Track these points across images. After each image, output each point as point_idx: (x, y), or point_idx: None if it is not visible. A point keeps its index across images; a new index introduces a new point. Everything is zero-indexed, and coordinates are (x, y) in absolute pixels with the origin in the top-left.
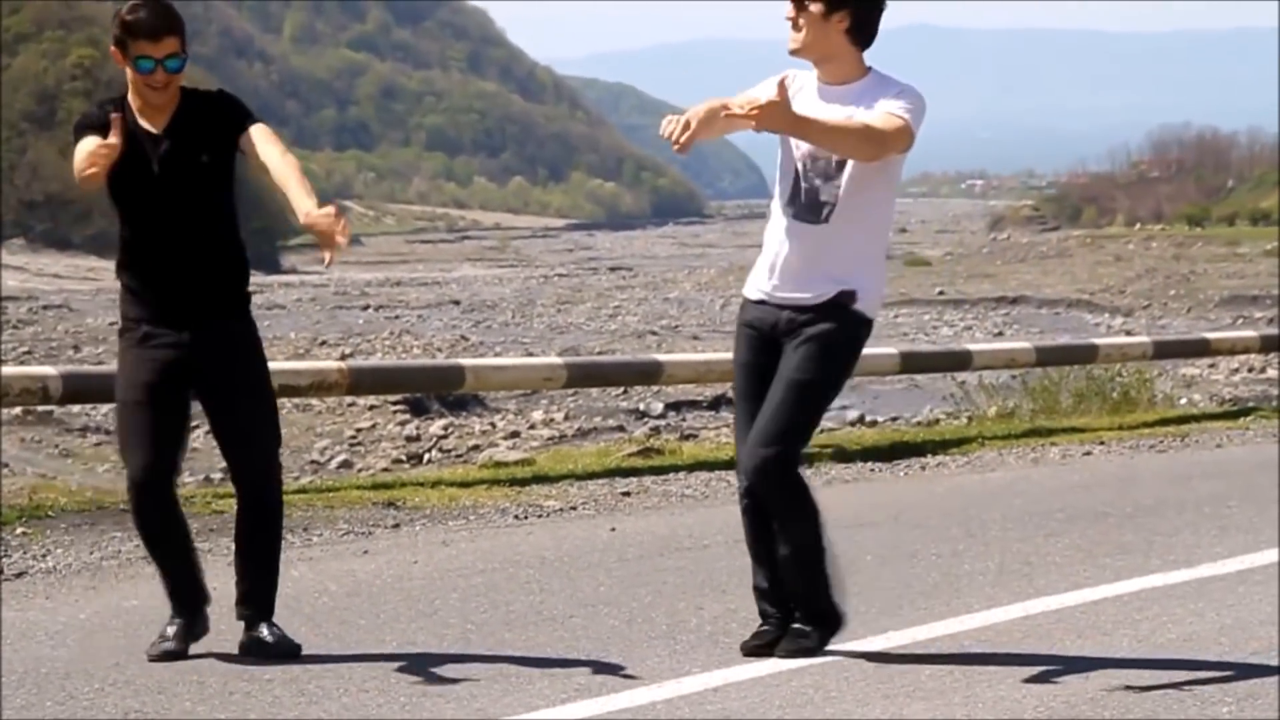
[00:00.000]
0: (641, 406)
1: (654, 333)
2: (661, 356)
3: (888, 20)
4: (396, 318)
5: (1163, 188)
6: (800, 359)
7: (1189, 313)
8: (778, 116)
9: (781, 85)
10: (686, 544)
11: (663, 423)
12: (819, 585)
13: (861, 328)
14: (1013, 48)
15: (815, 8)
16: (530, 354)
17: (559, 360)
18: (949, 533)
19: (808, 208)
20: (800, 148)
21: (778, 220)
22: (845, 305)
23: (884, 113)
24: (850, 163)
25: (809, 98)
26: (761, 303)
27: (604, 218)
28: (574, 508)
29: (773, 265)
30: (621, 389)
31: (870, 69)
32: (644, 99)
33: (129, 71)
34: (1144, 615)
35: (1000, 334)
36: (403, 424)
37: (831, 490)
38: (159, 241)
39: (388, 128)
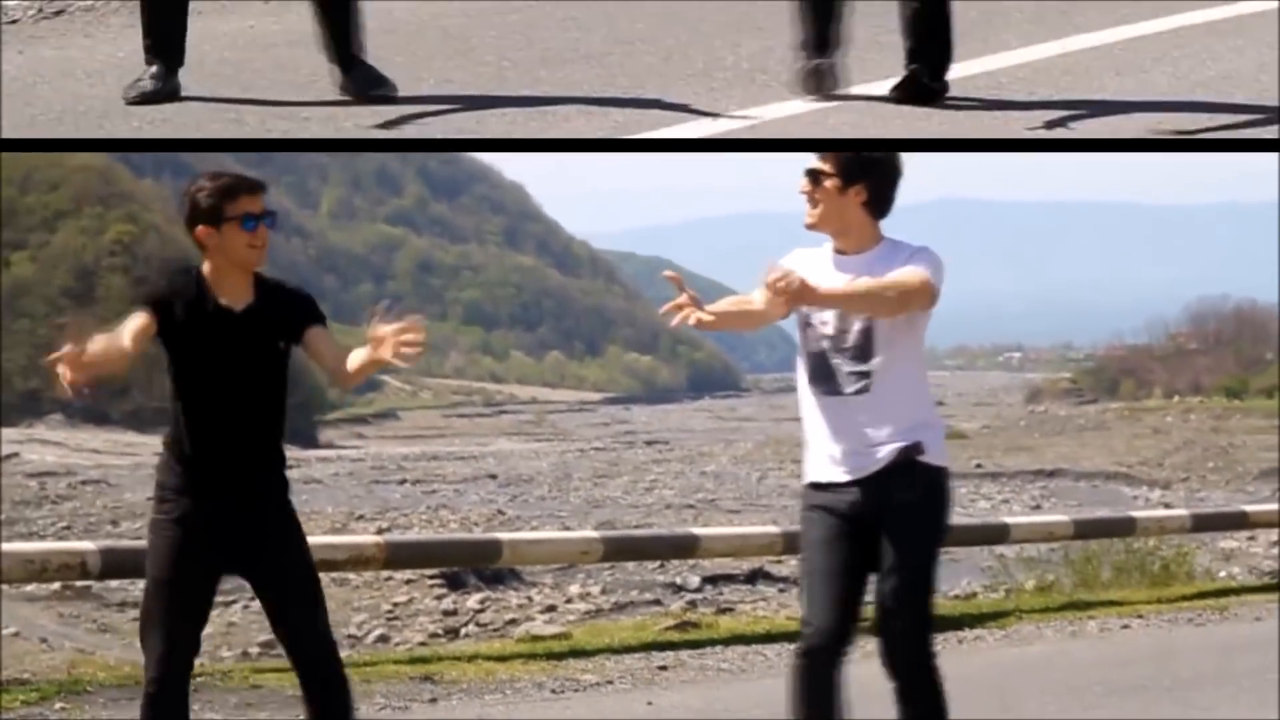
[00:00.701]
0: (678, 580)
1: (690, 506)
2: (698, 530)
3: (921, 194)
4: (433, 492)
5: (1201, 360)
6: (902, 532)
7: (1228, 485)
8: (805, 298)
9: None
10: (723, 715)
11: (699, 596)
12: None
13: (940, 477)
14: (1047, 220)
15: (831, 183)
16: (567, 528)
17: (595, 534)
18: (985, 708)
19: (841, 385)
20: (824, 326)
21: (814, 403)
22: (915, 461)
23: (904, 271)
24: (877, 335)
25: (824, 267)
26: (830, 486)
27: (640, 391)
28: (610, 682)
29: (823, 448)
30: (658, 562)
31: (884, 237)
32: (681, 271)
33: (213, 241)
34: None
35: (1038, 507)
36: (439, 598)
37: (869, 664)
38: (218, 418)
39: (425, 302)
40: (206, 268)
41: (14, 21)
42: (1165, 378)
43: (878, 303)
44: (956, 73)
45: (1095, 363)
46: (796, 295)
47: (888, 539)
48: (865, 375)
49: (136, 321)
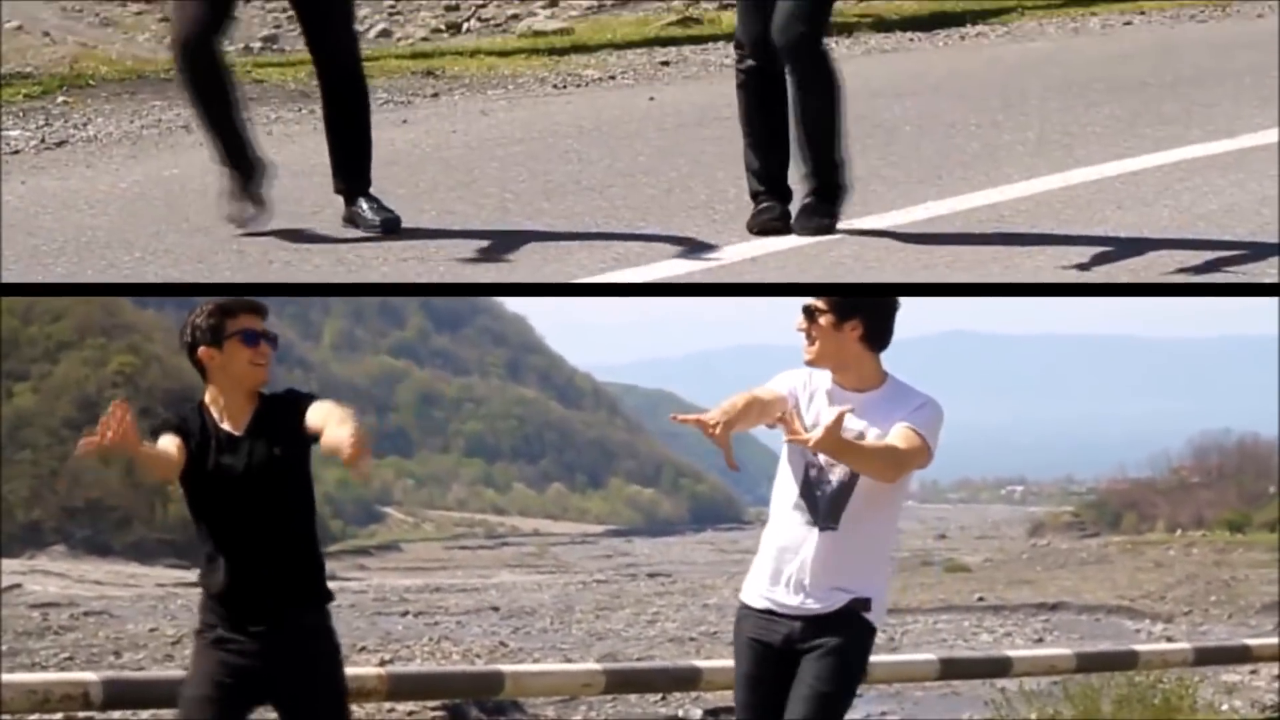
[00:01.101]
0: (680, 713)
1: (693, 638)
2: (700, 663)
3: (924, 327)
4: (436, 624)
5: (1203, 494)
6: (823, 671)
7: (1230, 619)
8: (829, 444)
9: (839, 418)
10: (726, 114)
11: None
12: (834, 156)
13: (871, 637)
14: (1050, 353)
15: (825, 320)
16: (569, 659)
17: (598, 666)
18: (988, 103)
19: (818, 513)
20: (815, 455)
21: (783, 524)
22: (859, 614)
23: (904, 432)
24: (863, 477)
25: (823, 400)
26: (769, 613)
27: (643, 524)
28: (613, 77)
29: (778, 571)
30: (660, 695)
31: (887, 375)
32: (683, 405)
33: (215, 362)
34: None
35: (1040, 640)
36: None
37: (870, 59)
38: (240, 543)
39: (427, 434)
40: (208, 396)
41: (16, 152)
42: (1168, 511)
43: (876, 466)
44: (960, 205)
45: (1097, 496)
46: (819, 444)
47: (808, 670)
48: (840, 514)
49: (168, 441)
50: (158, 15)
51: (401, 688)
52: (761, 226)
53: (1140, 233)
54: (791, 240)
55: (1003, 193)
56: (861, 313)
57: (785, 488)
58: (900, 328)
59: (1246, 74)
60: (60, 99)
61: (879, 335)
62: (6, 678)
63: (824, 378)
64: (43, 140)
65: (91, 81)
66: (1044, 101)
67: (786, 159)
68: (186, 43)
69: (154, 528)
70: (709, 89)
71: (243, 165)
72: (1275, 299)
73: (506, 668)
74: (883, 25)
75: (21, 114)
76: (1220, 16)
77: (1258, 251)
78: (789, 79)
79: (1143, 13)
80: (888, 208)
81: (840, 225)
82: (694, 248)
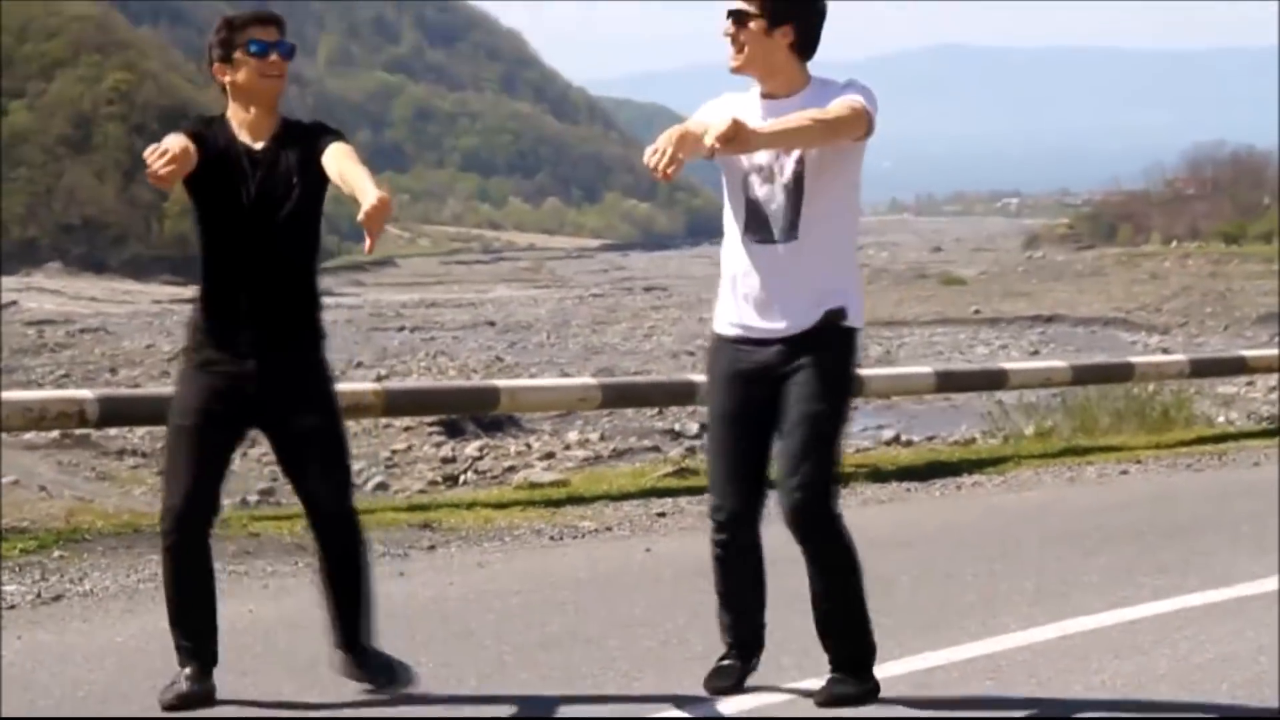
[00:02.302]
0: (677, 427)
1: (689, 353)
2: (696, 376)
3: (920, 39)
4: (432, 339)
5: (1198, 205)
6: (810, 393)
7: (1226, 330)
8: (741, 142)
9: (735, 122)
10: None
11: (698, 443)
12: (863, 633)
13: (855, 339)
14: (1045, 66)
15: (756, 25)
16: (565, 374)
17: (594, 381)
18: (986, 552)
19: (770, 228)
20: (750, 166)
21: (739, 249)
22: (837, 324)
23: (838, 102)
24: (807, 172)
25: (754, 111)
26: (742, 340)
27: (638, 238)
28: (609, 529)
29: (745, 296)
30: (657, 409)
31: (812, 77)
32: (677, 119)
33: (234, 81)
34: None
35: (1036, 352)
36: (438, 445)
37: (867, 510)
38: (242, 263)
39: (422, 149)
40: (229, 111)
41: (13, 607)
42: (1163, 223)
43: (813, 133)
44: (956, 656)
45: (1093, 208)
46: (737, 140)
47: (792, 396)
48: (795, 223)
49: (172, 143)
50: (154, 469)
51: (398, 403)
52: (714, 689)
53: (1138, 680)
54: (786, 695)
55: (1000, 642)
56: (793, 19)
57: (735, 210)
58: (892, 40)
59: (1244, 522)
60: (56, 553)
61: (809, 42)
62: (3, 395)
63: (749, 95)
64: (39, 595)
65: (88, 536)
66: (1041, 550)
67: (761, 623)
68: (180, 520)
69: (150, 245)
70: (706, 540)
71: (197, 650)
72: (1275, 3)
73: (503, 383)
74: (879, 475)
75: (18, 569)
76: (1217, 465)
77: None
78: (803, 553)
79: (1139, 461)
80: (884, 658)
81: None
82: (691, 701)
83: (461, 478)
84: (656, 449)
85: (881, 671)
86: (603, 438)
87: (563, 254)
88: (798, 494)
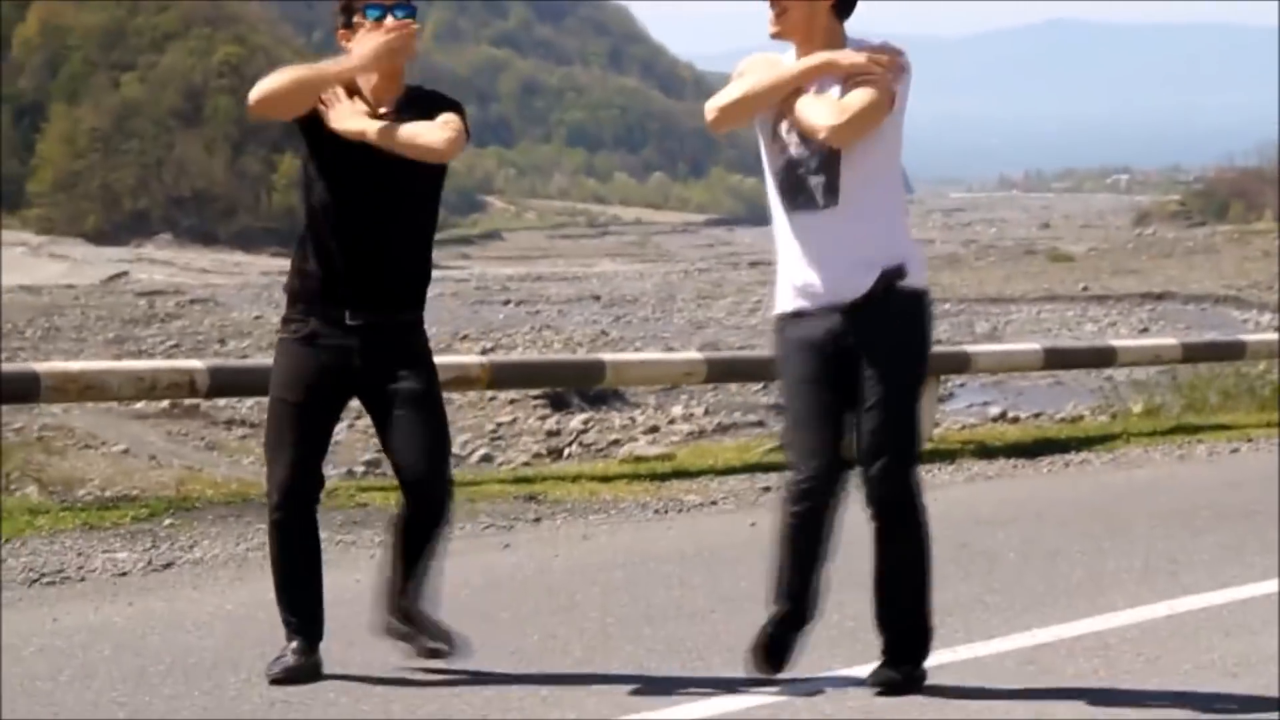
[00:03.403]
0: (781, 402)
1: None
2: None
3: (1031, 14)
4: (537, 313)
5: None
6: (883, 371)
7: None
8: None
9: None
10: None
11: None
12: (924, 619)
13: (922, 301)
14: (1156, 42)
15: None
16: (670, 349)
17: (699, 355)
18: (1093, 529)
19: (814, 196)
20: (789, 134)
21: (785, 222)
22: (898, 287)
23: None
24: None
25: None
26: (804, 313)
27: (744, 213)
28: (714, 503)
29: (800, 271)
30: (761, 384)
31: (848, 38)
32: None
33: (352, 44)
34: None
35: (1145, 330)
36: (543, 418)
37: (974, 486)
38: (354, 229)
39: (529, 124)
40: (359, 78)
41: (124, 574)
42: (1275, 200)
43: (829, 111)
44: (1064, 633)
45: (1205, 185)
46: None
47: (868, 373)
48: (835, 187)
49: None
50: (261, 439)
51: (503, 376)
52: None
53: (1248, 660)
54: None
55: (1107, 620)
56: None
57: (777, 183)
58: (999, 15)
59: None
60: (167, 521)
61: (849, 4)
62: (115, 365)
63: (786, 57)
64: (150, 562)
65: (197, 504)
66: (1150, 528)
67: (816, 592)
68: (287, 496)
69: (258, 216)
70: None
71: (303, 625)
72: None
73: (608, 356)
74: (986, 452)
75: (129, 536)
76: None
77: None
78: (873, 524)
79: (1250, 440)
80: (991, 634)
81: (947, 653)
82: (794, 676)
83: (566, 451)
84: (761, 424)
85: (987, 648)
86: (707, 412)
87: (668, 229)
88: (878, 477)
